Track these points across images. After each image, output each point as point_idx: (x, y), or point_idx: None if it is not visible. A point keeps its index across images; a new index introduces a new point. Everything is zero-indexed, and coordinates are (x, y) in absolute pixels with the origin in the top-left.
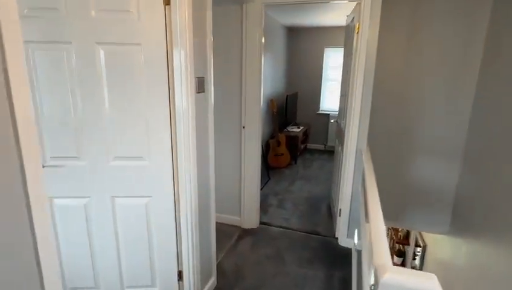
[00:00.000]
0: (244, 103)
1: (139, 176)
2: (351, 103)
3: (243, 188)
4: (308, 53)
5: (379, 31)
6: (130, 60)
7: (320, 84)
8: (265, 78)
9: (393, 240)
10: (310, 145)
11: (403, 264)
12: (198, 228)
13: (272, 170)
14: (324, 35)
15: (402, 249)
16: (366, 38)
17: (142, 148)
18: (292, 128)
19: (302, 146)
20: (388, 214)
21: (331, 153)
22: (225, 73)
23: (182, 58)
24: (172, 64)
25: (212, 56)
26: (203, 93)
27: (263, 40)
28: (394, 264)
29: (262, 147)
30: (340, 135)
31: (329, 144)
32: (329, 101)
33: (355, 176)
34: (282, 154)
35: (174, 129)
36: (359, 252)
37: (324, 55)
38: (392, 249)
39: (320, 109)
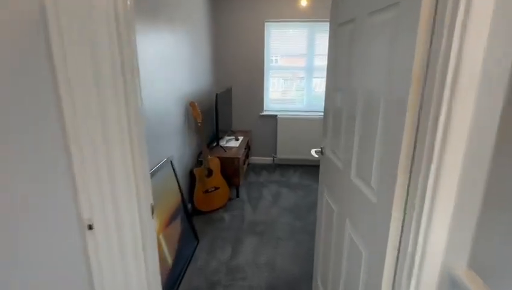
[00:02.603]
0: (77, 157)
1: None
2: (427, 134)
3: None
4: (243, 30)
5: None
6: None
7: (261, 74)
8: (177, 71)
9: None
10: (254, 159)
11: None
12: None
13: (200, 216)
14: (263, 3)
15: None
16: None
17: None
18: (229, 141)
19: (245, 166)
20: None
21: (283, 169)
22: None
23: None
24: None
25: None
26: None
27: None
28: None
29: (180, 189)
30: (346, 198)
31: (280, 156)
32: (276, 97)
33: None
34: (218, 188)
35: None
36: None
37: (265, 32)
38: None
39: (265, 108)
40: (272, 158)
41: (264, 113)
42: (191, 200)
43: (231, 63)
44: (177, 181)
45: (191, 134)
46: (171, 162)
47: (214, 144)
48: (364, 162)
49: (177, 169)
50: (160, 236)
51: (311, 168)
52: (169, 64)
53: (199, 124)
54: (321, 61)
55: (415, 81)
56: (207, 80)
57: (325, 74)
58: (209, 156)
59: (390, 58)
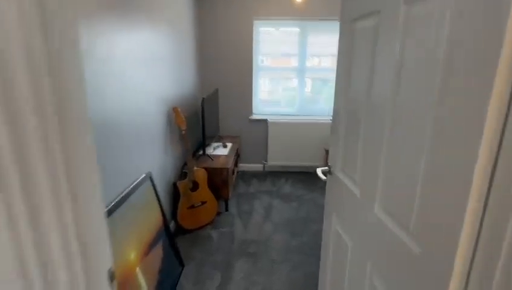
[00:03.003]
0: None
1: None
2: None
3: None
4: (230, 28)
5: None
6: None
7: (250, 75)
8: (157, 72)
9: None
10: (243, 166)
11: None
12: None
13: (185, 235)
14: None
15: None
16: None
17: None
18: (216, 148)
19: (235, 175)
20: None
21: (274, 177)
22: None
23: None
24: None
25: None
26: None
27: None
28: None
29: (161, 208)
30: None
31: (271, 162)
32: (266, 100)
33: None
34: (204, 202)
35: None
36: None
37: (254, 30)
38: None
39: (254, 112)
40: (262, 165)
41: (254, 117)
42: (174, 217)
43: (217, 64)
44: (158, 200)
45: (174, 143)
46: (150, 178)
47: (200, 153)
48: (398, 195)
49: (158, 183)
50: (137, 270)
51: (303, 176)
52: (147, 65)
53: (183, 132)
54: (314, 62)
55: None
56: (191, 81)
57: (319, 75)
58: (195, 167)
59: (451, 50)
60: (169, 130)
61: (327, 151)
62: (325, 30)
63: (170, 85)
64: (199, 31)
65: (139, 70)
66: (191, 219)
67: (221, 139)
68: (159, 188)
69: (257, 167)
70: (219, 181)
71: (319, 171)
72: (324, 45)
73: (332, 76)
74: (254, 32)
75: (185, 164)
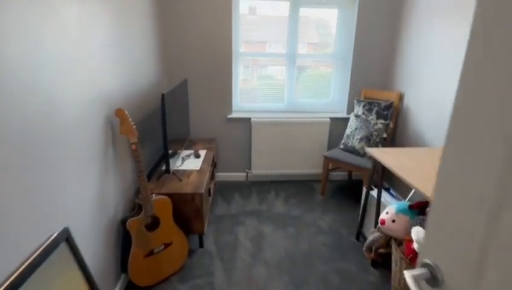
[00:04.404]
0: None
1: None
2: None
3: None
4: (201, 0)
5: None
6: None
7: (229, 62)
8: (88, 59)
9: None
10: (221, 176)
11: None
12: None
13: None
14: None
15: None
16: None
17: None
18: (186, 159)
19: (211, 197)
20: None
21: (261, 189)
22: None
23: None
24: None
25: None
26: None
27: None
28: None
29: (90, 283)
30: None
31: (255, 171)
32: (248, 94)
33: None
34: (169, 244)
35: None
36: None
37: (232, 4)
38: None
39: (234, 109)
40: (245, 174)
41: (234, 115)
42: (125, 268)
43: (186, 48)
44: (84, 270)
45: (120, 162)
46: (67, 238)
47: (163, 168)
48: None
49: (93, 225)
50: None
51: (296, 187)
52: (71, 48)
53: (133, 146)
54: (306, 46)
55: None
56: (149, 71)
57: (315, 63)
58: (154, 195)
59: None
60: (113, 144)
61: (326, 158)
62: (325, 4)
63: (112, 79)
64: (160, 4)
65: (56, 56)
66: (150, 272)
67: (192, 144)
68: (96, 232)
69: (239, 176)
70: (190, 211)
71: (409, 279)
72: (321, 23)
73: (334, 64)
74: (233, 7)
75: (139, 191)
